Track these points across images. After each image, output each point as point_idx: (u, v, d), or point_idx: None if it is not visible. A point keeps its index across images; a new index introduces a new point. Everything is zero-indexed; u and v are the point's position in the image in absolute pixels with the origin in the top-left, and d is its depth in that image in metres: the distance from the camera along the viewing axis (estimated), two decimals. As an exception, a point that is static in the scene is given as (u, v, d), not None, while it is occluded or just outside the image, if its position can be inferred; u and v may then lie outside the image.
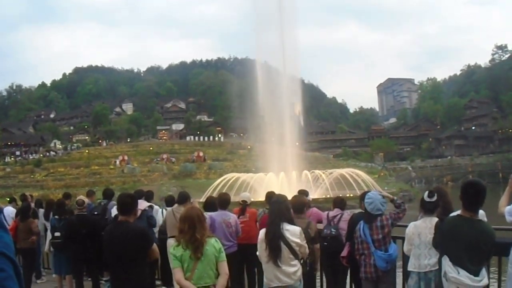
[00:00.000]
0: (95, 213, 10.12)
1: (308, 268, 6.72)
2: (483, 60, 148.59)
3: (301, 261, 5.77)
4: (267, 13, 47.00)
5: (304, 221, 6.89)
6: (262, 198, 9.05)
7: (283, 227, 5.58)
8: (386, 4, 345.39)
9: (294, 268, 5.58)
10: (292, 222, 5.73)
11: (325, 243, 7.35)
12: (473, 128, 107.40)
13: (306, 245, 5.66)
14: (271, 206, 6.22)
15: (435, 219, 5.53)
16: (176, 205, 9.37)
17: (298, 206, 7.11)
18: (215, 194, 17.02)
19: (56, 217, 9.92)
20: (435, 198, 5.64)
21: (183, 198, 9.20)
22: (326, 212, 7.99)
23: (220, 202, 8.50)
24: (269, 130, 46.01)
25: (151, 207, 9.87)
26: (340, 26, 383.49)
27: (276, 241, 5.51)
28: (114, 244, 5.23)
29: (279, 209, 5.81)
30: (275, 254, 5.49)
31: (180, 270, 4.73)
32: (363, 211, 6.58)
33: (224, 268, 4.92)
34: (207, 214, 8.40)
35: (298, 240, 5.56)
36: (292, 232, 5.59)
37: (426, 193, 5.71)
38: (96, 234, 8.52)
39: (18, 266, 1.55)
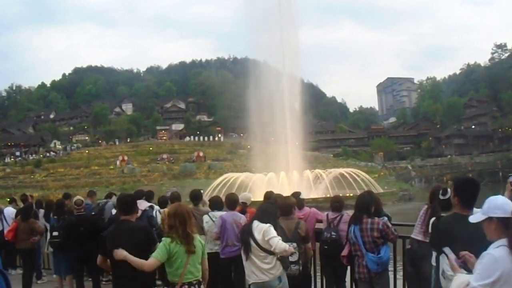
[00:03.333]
0: (93, 213, 10.12)
1: (302, 269, 6.74)
2: (482, 59, 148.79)
3: (278, 257, 5.88)
4: (266, 12, 47.05)
5: (293, 222, 7.00)
6: (261, 198, 9.03)
7: (253, 225, 5.91)
8: (383, 3, 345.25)
9: (268, 265, 5.81)
10: (264, 222, 5.91)
11: (326, 247, 7.36)
12: (473, 127, 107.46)
13: (271, 241, 5.73)
14: None
15: None
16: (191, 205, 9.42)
17: (285, 208, 7.15)
18: (215, 194, 17.02)
19: (56, 217, 9.93)
20: (448, 195, 5.68)
21: (197, 198, 9.33)
22: (326, 214, 7.98)
23: (229, 202, 8.50)
24: (269, 130, 46.02)
25: (151, 207, 9.87)
26: (338, 26, 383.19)
27: (245, 237, 5.92)
28: (118, 241, 5.23)
29: (257, 209, 6.28)
30: (245, 249, 5.91)
31: (157, 263, 4.94)
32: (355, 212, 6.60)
33: (206, 264, 5.24)
34: (218, 214, 8.43)
35: (260, 237, 5.77)
36: (258, 229, 5.85)
37: (440, 191, 5.76)
38: (94, 234, 8.54)
39: (7, 277, 1.63)
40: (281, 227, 6.53)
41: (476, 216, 3.61)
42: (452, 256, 4.12)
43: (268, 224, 5.86)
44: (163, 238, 5.09)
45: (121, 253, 5.07)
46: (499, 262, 3.21)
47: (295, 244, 6.56)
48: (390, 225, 6.31)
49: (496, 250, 3.28)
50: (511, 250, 3.23)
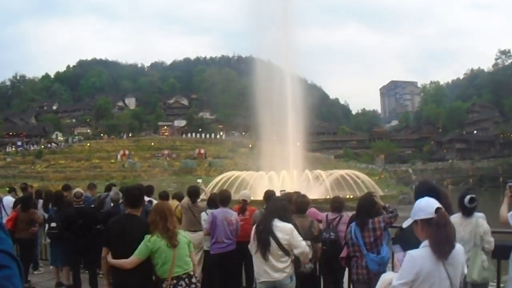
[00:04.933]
0: (92, 206, 10.10)
1: (313, 267, 6.72)
2: (486, 64, 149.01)
3: (293, 258, 5.79)
4: (271, 11, 47.04)
5: (307, 220, 6.98)
6: (261, 197, 9.01)
7: (274, 223, 5.68)
8: (387, 6, 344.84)
9: (283, 264, 5.68)
10: (285, 220, 5.78)
11: (324, 247, 7.34)
12: (475, 132, 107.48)
13: (298, 243, 5.66)
14: (268, 203, 6.31)
15: (472, 220, 5.78)
16: (186, 198, 9.40)
17: (301, 206, 7.14)
18: (215, 192, 17.01)
19: (55, 208, 9.90)
20: (475, 204, 5.74)
21: (195, 194, 9.31)
22: (325, 214, 7.96)
23: (221, 199, 8.46)
24: (271, 129, 45.97)
25: (150, 202, 9.86)
26: (342, 28, 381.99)
27: (265, 235, 5.65)
28: (123, 236, 5.21)
29: (274, 206, 6.00)
30: (263, 248, 5.64)
31: (138, 260, 4.98)
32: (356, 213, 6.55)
33: (194, 259, 5.40)
34: (209, 211, 8.40)
35: (287, 237, 5.64)
36: (282, 228, 5.67)
37: (468, 198, 5.72)
38: (92, 227, 8.52)
39: (21, 265, 1.65)
40: (296, 224, 6.53)
41: (406, 221, 3.71)
42: (397, 255, 4.16)
43: (290, 224, 5.78)
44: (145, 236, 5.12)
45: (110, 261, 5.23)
46: (417, 261, 3.32)
47: (309, 242, 6.55)
48: (389, 216, 6.24)
49: (416, 250, 3.40)
50: (432, 249, 3.33)
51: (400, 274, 3.41)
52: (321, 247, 7.06)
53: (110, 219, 5.84)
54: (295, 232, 5.74)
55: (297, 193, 8.63)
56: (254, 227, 5.94)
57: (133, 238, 5.09)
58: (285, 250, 5.65)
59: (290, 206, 6.76)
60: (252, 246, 5.83)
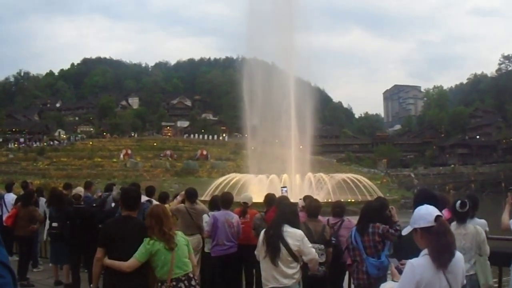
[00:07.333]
0: (94, 205, 10.07)
1: (325, 270, 6.69)
2: (489, 69, 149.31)
3: (301, 264, 5.74)
4: (275, 15, 46.93)
5: (320, 225, 6.99)
6: (262, 200, 8.96)
7: (283, 229, 5.60)
8: (391, 11, 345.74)
9: (293, 270, 5.59)
10: (295, 226, 5.72)
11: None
12: (477, 137, 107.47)
13: (308, 250, 5.62)
14: (278, 207, 6.26)
15: (470, 226, 5.74)
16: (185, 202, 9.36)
17: (314, 210, 7.14)
18: (216, 194, 16.94)
19: (54, 207, 9.87)
20: (467, 208, 5.68)
21: (193, 195, 9.24)
22: (327, 219, 7.93)
23: (223, 201, 8.44)
24: (273, 132, 45.86)
25: (150, 201, 9.82)
26: (346, 32, 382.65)
27: (275, 240, 5.55)
28: (120, 238, 5.17)
29: (283, 211, 5.91)
30: (273, 254, 5.53)
31: (137, 263, 4.95)
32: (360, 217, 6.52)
33: (193, 259, 5.40)
34: (210, 214, 8.37)
35: (297, 243, 5.56)
36: (292, 234, 5.59)
37: (458, 203, 5.67)
38: (93, 226, 8.50)
39: (15, 274, 1.69)
40: (309, 228, 6.50)
41: (406, 229, 3.65)
42: (393, 264, 4.12)
43: (300, 231, 5.73)
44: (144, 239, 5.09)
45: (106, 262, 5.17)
46: (417, 270, 3.27)
47: (322, 246, 6.52)
48: (391, 231, 6.19)
49: (416, 259, 3.35)
50: (432, 258, 3.28)
51: (400, 284, 3.36)
52: (331, 252, 7.03)
53: (108, 220, 5.83)
54: (305, 238, 5.69)
55: (309, 197, 8.72)
56: (263, 232, 5.83)
57: (130, 240, 5.06)
58: (295, 256, 5.57)
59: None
60: (261, 251, 5.72)
